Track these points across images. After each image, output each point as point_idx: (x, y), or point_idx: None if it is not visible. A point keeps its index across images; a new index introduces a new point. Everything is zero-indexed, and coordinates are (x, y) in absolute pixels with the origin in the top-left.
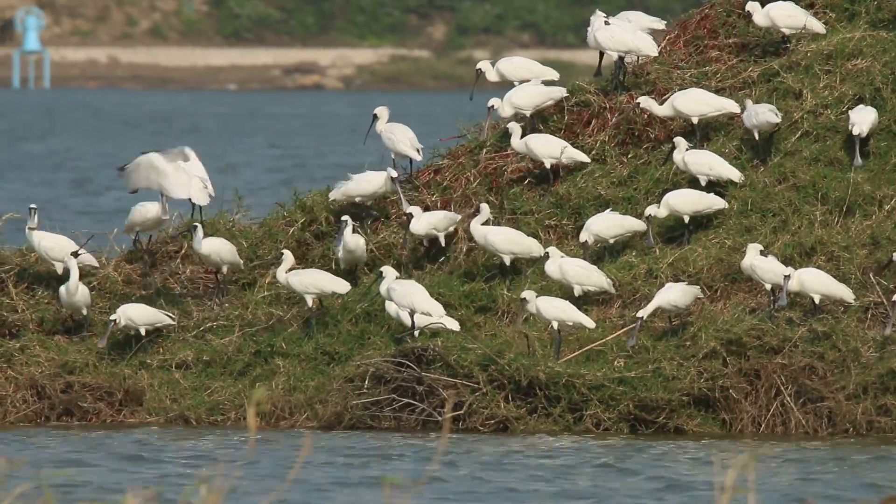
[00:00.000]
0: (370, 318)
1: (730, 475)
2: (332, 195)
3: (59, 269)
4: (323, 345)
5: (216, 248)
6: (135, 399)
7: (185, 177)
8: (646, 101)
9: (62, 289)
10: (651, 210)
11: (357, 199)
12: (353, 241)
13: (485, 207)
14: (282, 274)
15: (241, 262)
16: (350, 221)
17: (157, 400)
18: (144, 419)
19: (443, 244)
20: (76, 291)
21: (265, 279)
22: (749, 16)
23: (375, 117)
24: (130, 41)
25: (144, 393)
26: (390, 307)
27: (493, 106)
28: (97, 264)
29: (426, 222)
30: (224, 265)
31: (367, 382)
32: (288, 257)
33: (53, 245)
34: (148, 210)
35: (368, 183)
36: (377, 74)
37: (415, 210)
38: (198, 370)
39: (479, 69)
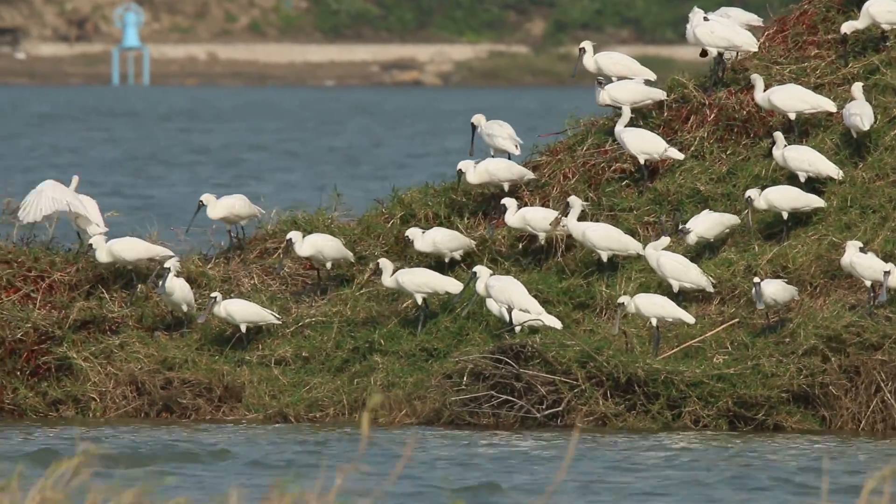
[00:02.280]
0: (469, 314)
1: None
2: (471, 179)
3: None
4: (421, 341)
5: (319, 245)
6: (234, 395)
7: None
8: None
9: (161, 285)
10: (752, 193)
11: (496, 182)
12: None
13: (575, 201)
14: (388, 279)
15: (350, 254)
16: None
17: (255, 396)
18: (243, 416)
19: (542, 242)
20: (174, 290)
21: (364, 275)
22: (849, 11)
23: (474, 127)
24: (229, 38)
25: (243, 389)
26: (492, 304)
27: (582, 49)
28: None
29: (523, 216)
30: (327, 262)
31: (465, 379)
32: (386, 265)
33: (125, 247)
34: (233, 204)
35: (508, 170)
36: (475, 70)
37: (509, 202)
38: (296, 366)
39: (582, 48)
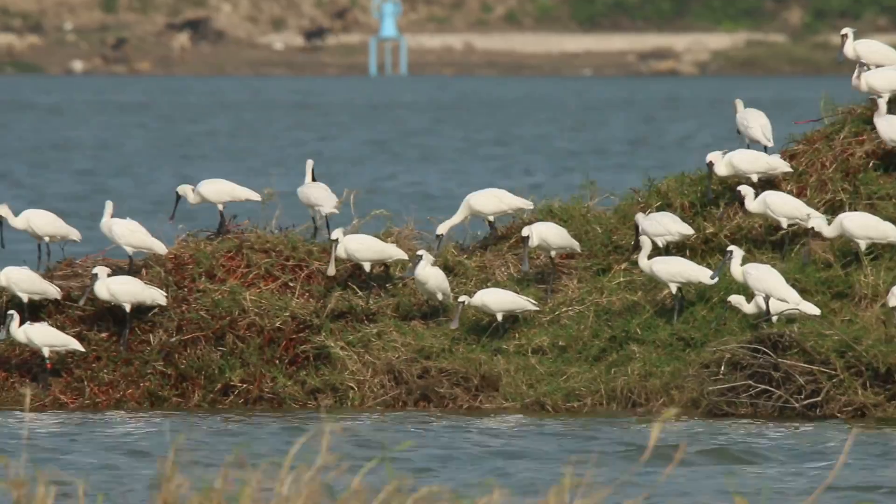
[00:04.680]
0: (726, 303)
1: None
2: (719, 171)
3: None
4: (678, 330)
5: (543, 234)
6: (491, 384)
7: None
8: None
9: (416, 274)
10: None
11: (741, 174)
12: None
13: (645, 241)
14: (644, 260)
15: (576, 243)
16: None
17: (513, 385)
18: (500, 405)
19: (785, 228)
20: (428, 278)
21: (620, 265)
22: None
23: (735, 107)
24: (486, 28)
25: (500, 378)
26: (734, 299)
27: (844, 35)
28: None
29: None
30: (552, 250)
31: (723, 368)
32: (646, 242)
33: (359, 246)
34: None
35: (752, 162)
36: (732, 59)
37: (745, 189)
38: (553, 355)
39: (844, 34)
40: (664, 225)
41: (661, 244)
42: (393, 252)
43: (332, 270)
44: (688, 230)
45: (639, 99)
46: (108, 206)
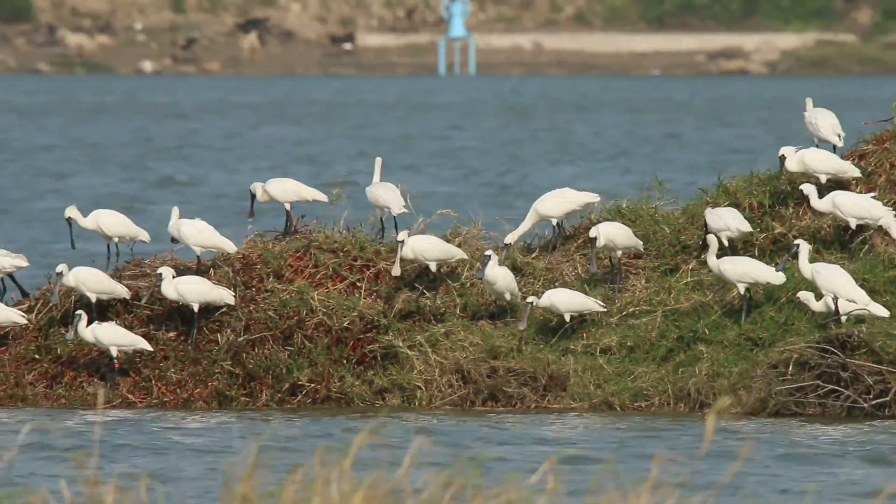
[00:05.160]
0: (794, 300)
1: None
2: (790, 166)
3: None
4: (746, 331)
5: (610, 234)
6: (558, 384)
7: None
8: None
9: (485, 274)
10: None
11: (811, 173)
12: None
13: (712, 240)
14: (712, 259)
15: (640, 243)
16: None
17: (580, 385)
18: (568, 405)
19: (853, 228)
20: (497, 279)
21: (688, 265)
22: None
23: (805, 106)
24: (555, 27)
25: (568, 378)
26: (802, 295)
27: None
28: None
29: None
30: (618, 250)
31: (790, 368)
32: (713, 241)
33: (426, 245)
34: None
35: (823, 162)
36: (802, 59)
37: (808, 189)
38: (621, 355)
39: None
40: (724, 220)
41: (723, 240)
42: (457, 252)
43: (396, 271)
44: (747, 227)
45: (743, 100)
46: (175, 212)
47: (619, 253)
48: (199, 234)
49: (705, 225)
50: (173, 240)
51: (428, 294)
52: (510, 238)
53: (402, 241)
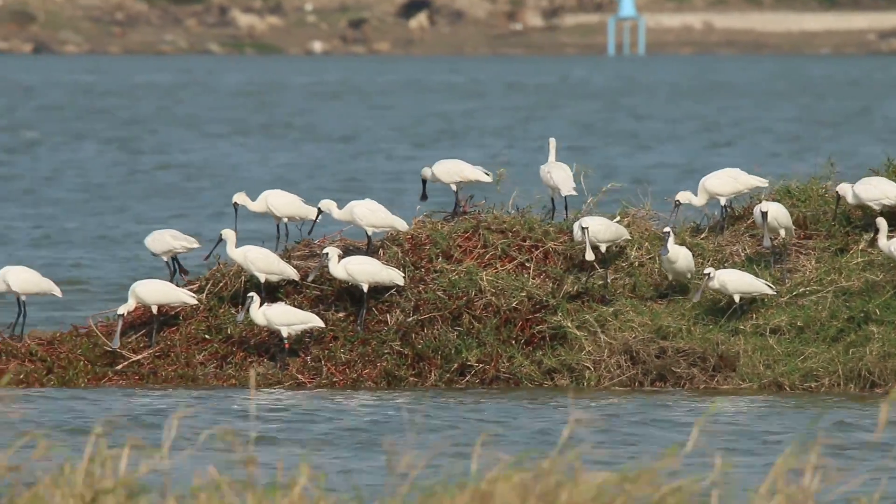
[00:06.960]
0: None
1: None
2: None
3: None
4: None
5: (775, 214)
6: (728, 365)
7: None
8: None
9: (667, 253)
10: None
11: None
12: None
13: (881, 223)
14: (883, 240)
15: (791, 226)
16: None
17: (750, 365)
18: (738, 385)
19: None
20: (678, 257)
21: (858, 245)
22: None
23: None
24: (725, 6)
25: (738, 358)
26: None
27: None
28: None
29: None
30: (781, 230)
31: None
32: (881, 223)
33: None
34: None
35: None
36: None
37: None
38: (791, 336)
39: None
40: (881, 189)
41: (876, 209)
42: (624, 233)
43: (590, 255)
44: None
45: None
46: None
47: (783, 233)
48: (371, 214)
49: (837, 199)
50: (318, 215)
51: (599, 273)
52: (681, 196)
53: (587, 227)
